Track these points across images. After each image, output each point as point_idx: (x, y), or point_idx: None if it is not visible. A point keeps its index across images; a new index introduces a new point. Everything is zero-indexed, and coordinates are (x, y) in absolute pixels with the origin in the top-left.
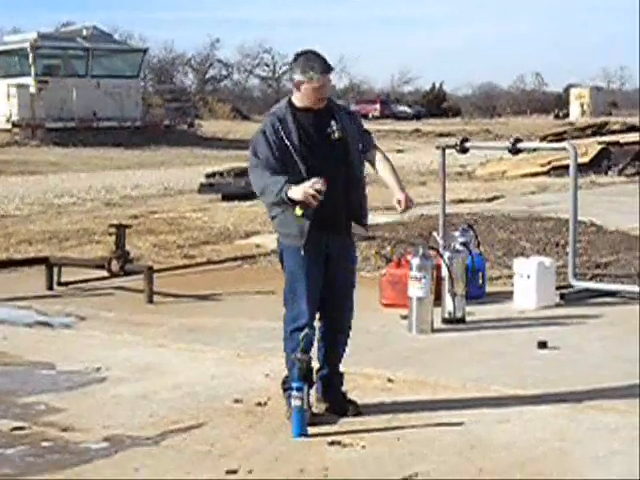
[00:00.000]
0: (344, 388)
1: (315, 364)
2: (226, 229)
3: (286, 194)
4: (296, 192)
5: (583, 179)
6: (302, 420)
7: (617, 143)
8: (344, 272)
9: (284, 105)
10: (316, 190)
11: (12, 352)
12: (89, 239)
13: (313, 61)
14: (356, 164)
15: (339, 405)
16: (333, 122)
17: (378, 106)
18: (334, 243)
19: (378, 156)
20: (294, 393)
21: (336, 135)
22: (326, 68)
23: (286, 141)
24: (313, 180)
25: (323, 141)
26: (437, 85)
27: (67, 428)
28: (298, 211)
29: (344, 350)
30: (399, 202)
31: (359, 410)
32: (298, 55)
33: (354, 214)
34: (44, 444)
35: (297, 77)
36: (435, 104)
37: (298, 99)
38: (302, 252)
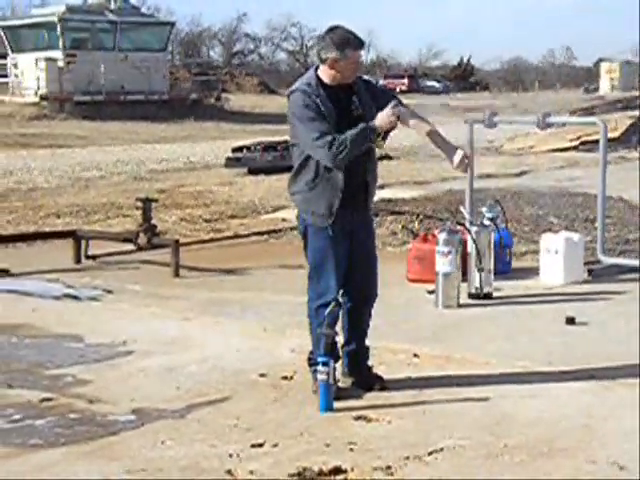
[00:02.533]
0: (370, 363)
1: (340, 339)
2: (252, 203)
3: (374, 131)
4: (385, 120)
5: (612, 154)
6: (328, 394)
7: None
8: (368, 247)
9: (313, 81)
10: (397, 114)
11: (40, 324)
12: (116, 213)
13: (347, 37)
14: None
15: (365, 380)
16: (355, 98)
17: (406, 80)
18: (357, 219)
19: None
20: (320, 368)
21: (359, 112)
22: (361, 44)
23: (324, 114)
24: (389, 106)
25: (346, 117)
26: (465, 59)
27: (94, 400)
28: (380, 142)
29: (369, 324)
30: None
31: (385, 385)
32: (329, 32)
33: (370, 189)
34: (72, 415)
35: (332, 55)
36: (463, 78)
37: (329, 76)
38: (330, 232)
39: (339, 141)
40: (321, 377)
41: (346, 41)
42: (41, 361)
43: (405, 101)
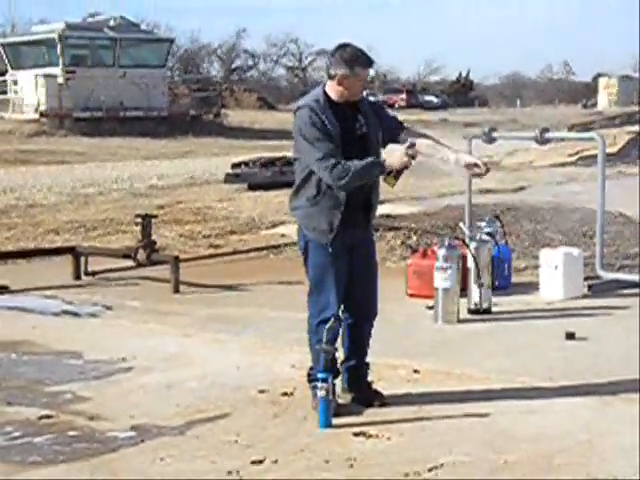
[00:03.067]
0: (369, 378)
1: (340, 355)
2: (252, 219)
3: (383, 167)
4: (398, 159)
5: (611, 169)
6: (327, 411)
7: None
8: (368, 263)
9: (321, 97)
10: (411, 154)
11: (40, 341)
12: (116, 229)
13: (357, 55)
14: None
15: (365, 396)
16: (360, 116)
17: (404, 96)
18: (358, 235)
19: (410, 133)
20: (319, 384)
21: (363, 130)
22: (370, 62)
23: (331, 132)
24: (405, 145)
25: (351, 135)
26: (463, 74)
27: (94, 417)
28: (392, 180)
29: (369, 340)
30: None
31: (385, 401)
32: (339, 49)
33: (373, 208)
34: (71, 433)
35: (341, 71)
36: (462, 93)
37: (337, 93)
38: (330, 249)
39: (343, 166)
40: (320, 393)
41: (355, 59)
42: (40, 378)
43: (404, 116)
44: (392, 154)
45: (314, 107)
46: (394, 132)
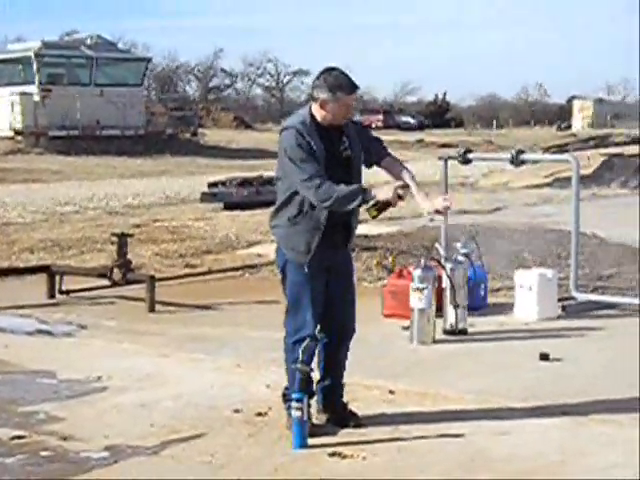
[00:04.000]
0: (345, 399)
1: (316, 375)
2: (228, 238)
3: (371, 196)
4: (385, 193)
5: (586, 191)
6: (302, 431)
7: (620, 155)
8: (346, 283)
9: (307, 119)
10: (400, 194)
11: (13, 360)
12: (91, 247)
13: (341, 80)
14: (356, 182)
15: (340, 416)
16: (345, 138)
17: (381, 116)
18: (335, 256)
19: (394, 162)
20: (294, 404)
21: (347, 153)
22: (353, 88)
23: (316, 154)
24: (398, 183)
25: (335, 157)
26: (440, 96)
27: (67, 437)
28: (373, 212)
29: (346, 361)
30: (443, 208)
31: (360, 421)
32: (324, 72)
33: (352, 230)
34: (44, 453)
35: (323, 96)
36: (438, 115)
37: (320, 115)
38: (307, 269)
39: (328, 188)
40: (295, 414)
41: (339, 84)
42: (13, 398)
43: (381, 137)
44: (381, 188)
45: (300, 129)
46: (378, 156)
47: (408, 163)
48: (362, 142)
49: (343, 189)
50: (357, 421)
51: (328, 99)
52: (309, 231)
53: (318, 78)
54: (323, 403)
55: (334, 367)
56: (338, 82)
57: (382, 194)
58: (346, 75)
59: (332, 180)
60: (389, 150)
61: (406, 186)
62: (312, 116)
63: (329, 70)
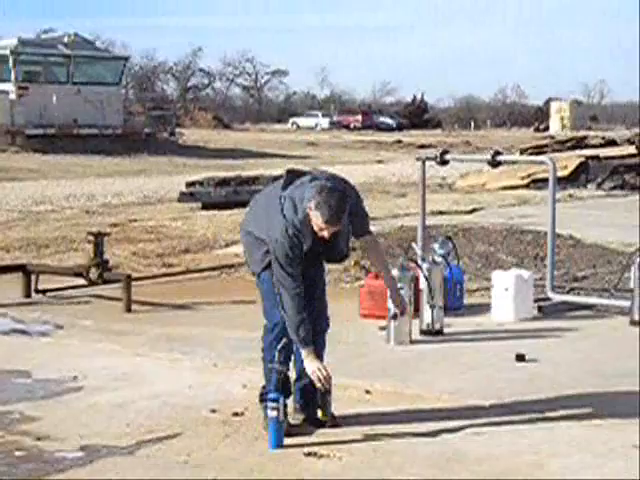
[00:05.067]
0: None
1: (293, 375)
2: (206, 238)
3: (301, 354)
4: (309, 366)
5: (562, 192)
6: (278, 431)
7: (596, 157)
8: (318, 277)
9: (302, 218)
10: (325, 378)
11: None
12: (68, 247)
13: (326, 206)
14: (340, 253)
15: (316, 416)
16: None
17: (360, 117)
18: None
19: (371, 245)
20: (270, 404)
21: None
22: (331, 220)
23: (303, 246)
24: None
25: (319, 241)
26: (418, 97)
27: (42, 437)
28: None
29: (322, 356)
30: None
31: (336, 422)
32: (323, 189)
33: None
34: (18, 453)
35: (310, 205)
36: (416, 115)
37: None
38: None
39: (298, 314)
40: (271, 414)
41: (323, 208)
42: None
43: (359, 137)
44: (312, 361)
45: (298, 226)
46: (359, 233)
47: (386, 164)
48: (349, 214)
49: (293, 327)
50: (334, 422)
51: (310, 207)
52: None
53: (316, 187)
54: (300, 403)
55: None
56: (323, 205)
57: (308, 366)
58: (333, 207)
59: (315, 253)
60: (370, 228)
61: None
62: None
63: (330, 189)
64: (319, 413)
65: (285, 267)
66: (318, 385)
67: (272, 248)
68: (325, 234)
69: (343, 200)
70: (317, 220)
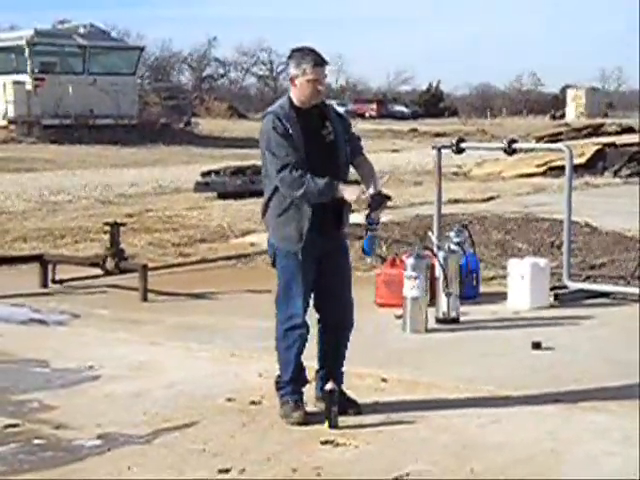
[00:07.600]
0: (343, 387)
1: (315, 364)
2: (221, 228)
3: (334, 190)
4: (350, 193)
5: (578, 180)
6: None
7: (613, 145)
8: (340, 272)
9: (286, 104)
10: (361, 196)
11: (6, 349)
12: (84, 237)
13: (307, 54)
14: (343, 167)
15: (339, 404)
16: (328, 123)
17: (375, 106)
18: (327, 244)
19: (363, 161)
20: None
21: (331, 137)
22: (319, 61)
23: (293, 139)
24: (370, 192)
25: (318, 142)
26: (434, 85)
27: (60, 426)
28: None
29: (346, 348)
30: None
31: (360, 409)
32: (293, 51)
33: (344, 218)
34: (37, 442)
35: (291, 71)
36: (432, 104)
37: (295, 95)
38: (299, 256)
39: (299, 178)
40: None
41: (303, 58)
42: (6, 386)
43: (374, 126)
44: (349, 187)
45: (278, 113)
46: (353, 154)
47: (401, 152)
48: (346, 133)
49: (314, 181)
50: (357, 409)
51: (295, 73)
52: (298, 219)
53: (290, 57)
54: (322, 391)
55: (332, 356)
56: (303, 56)
57: (348, 194)
58: (313, 50)
59: (315, 167)
60: (364, 151)
61: (377, 195)
62: (290, 100)
63: (298, 49)
64: (325, 424)
65: (277, 151)
66: (362, 197)
67: (266, 145)
68: (320, 88)
69: (313, 49)
70: (306, 75)
